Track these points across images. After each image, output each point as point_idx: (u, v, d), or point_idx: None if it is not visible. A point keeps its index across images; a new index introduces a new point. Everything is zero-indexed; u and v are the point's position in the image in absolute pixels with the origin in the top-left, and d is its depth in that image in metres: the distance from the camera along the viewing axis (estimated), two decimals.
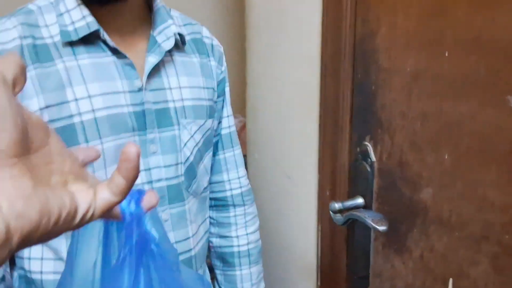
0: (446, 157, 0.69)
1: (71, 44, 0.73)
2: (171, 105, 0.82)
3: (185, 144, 0.84)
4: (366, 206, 0.84)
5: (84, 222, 0.34)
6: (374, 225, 0.75)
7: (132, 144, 0.37)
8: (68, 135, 0.72)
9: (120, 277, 0.52)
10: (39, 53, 0.72)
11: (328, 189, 0.95)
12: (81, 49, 0.74)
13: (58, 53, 0.73)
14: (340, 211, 0.84)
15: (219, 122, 0.98)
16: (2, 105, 0.28)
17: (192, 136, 0.85)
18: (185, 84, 0.84)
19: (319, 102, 0.95)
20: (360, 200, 0.85)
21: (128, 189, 0.37)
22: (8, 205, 0.28)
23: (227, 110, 0.98)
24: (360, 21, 0.82)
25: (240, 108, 1.50)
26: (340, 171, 0.91)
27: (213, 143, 0.96)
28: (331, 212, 0.85)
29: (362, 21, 0.81)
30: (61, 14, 0.74)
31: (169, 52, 0.82)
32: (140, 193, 0.46)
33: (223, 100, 0.97)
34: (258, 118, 1.26)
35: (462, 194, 0.67)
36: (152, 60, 0.78)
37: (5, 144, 0.28)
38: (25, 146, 0.30)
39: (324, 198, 0.97)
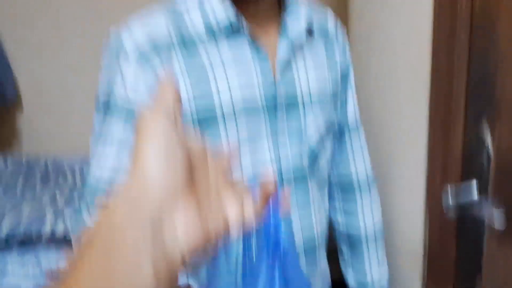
0: None
1: (214, 33, 0.78)
2: (298, 89, 0.85)
3: (309, 128, 0.86)
4: (481, 195, 0.78)
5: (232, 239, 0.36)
6: (493, 223, 0.69)
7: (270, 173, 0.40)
8: (211, 125, 0.78)
9: (258, 276, 0.54)
10: (186, 42, 0.78)
11: (438, 174, 0.90)
12: (222, 40, 0.79)
13: (202, 42, 0.78)
14: (453, 198, 0.78)
15: (345, 107, 0.98)
16: (174, 146, 0.32)
17: (316, 120, 0.87)
18: (312, 77, 0.86)
19: (430, 80, 0.89)
20: (474, 186, 0.78)
21: (265, 209, 0.38)
22: (183, 236, 0.31)
23: (353, 97, 0.98)
24: None
25: None
26: (453, 156, 0.85)
27: (336, 131, 0.97)
28: (443, 199, 0.80)
29: None
30: (202, 6, 0.80)
31: (301, 38, 0.84)
32: (276, 198, 0.47)
33: (348, 88, 0.97)
34: (361, 99, 1.22)
35: None
36: (284, 47, 0.82)
37: (178, 183, 0.32)
38: (191, 176, 0.33)
39: (434, 184, 0.91)
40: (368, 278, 1.07)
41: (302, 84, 0.85)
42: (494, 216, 0.70)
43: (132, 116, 0.78)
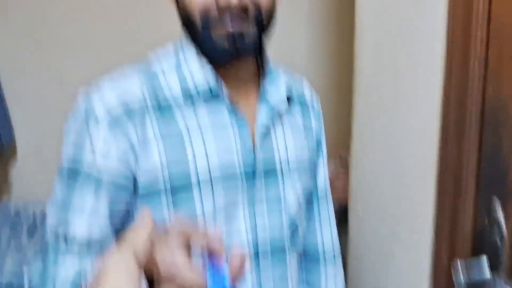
0: None
1: (192, 98, 0.76)
2: (278, 166, 0.84)
3: (288, 197, 0.84)
4: (493, 273, 0.77)
5: None
6: None
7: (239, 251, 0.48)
8: (186, 192, 0.74)
9: None
10: (162, 108, 0.75)
11: (445, 252, 0.90)
12: (200, 105, 0.77)
13: (178, 107, 0.76)
14: (464, 278, 0.78)
15: (315, 177, 0.97)
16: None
17: (294, 189, 0.86)
18: (291, 146, 0.86)
19: (438, 155, 0.91)
20: (485, 264, 0.78)
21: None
22: None
23: (324, 165, 0.98)
24: (489, 79, 0.78)
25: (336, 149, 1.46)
26: (462, 231, 0.85)
27: (311, 197, 0.96)
28: (453, 275, 0.79)
29: (492, 78, 0.78)
30: (179, 68, 0.78)
31: (283, 106, 0.84)
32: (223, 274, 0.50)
33: (320, 155, 0.97)
34: (364, 162, 1.23)
35: None
36: (264, 113, 0.81)
37: None
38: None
39: (441, 268, 0.91)
40: None
41: (281, 151, 0.84)
42: None
43: (101, 186, 0.72)
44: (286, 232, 0.84)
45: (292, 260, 0.87)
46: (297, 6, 2.10)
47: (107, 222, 0.73)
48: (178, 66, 0.78)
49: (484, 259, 0.79)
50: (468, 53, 0.81)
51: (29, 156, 2.22)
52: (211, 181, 0.76)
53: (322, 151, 0.97)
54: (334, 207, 1.58)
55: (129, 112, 0.72)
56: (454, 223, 0.87)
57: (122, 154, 0.72)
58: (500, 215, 0.77)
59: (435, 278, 0.93)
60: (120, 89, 0.74)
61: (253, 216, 0.80)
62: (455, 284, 0.80)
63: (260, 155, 0.81)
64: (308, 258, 1.01)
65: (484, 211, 0.81)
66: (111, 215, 0.74)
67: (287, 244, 0.84)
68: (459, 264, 0.80)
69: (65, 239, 0.72)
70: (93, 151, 0.71)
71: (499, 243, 0.77)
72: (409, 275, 1.04)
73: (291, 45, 2.09)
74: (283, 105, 0.84)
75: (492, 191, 0.79)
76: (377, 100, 1.13)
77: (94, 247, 0.72)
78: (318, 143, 0.95)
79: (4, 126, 2.23)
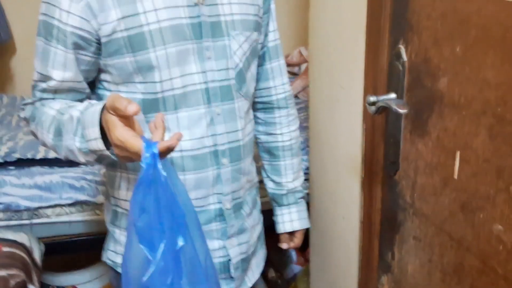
0: (458, 49, 0.82)
1: None
2: (222, 18, 0.99)
3: (235, 52, 1.01)
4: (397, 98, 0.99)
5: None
6: (397, 108, 0.91)
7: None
8: (140, 41, 0.92)
9: (140, 192, 0.78)
10: None
11: (370, 90, 1.11)
12: None
13: None
14: (374, 103, 1.00)
15: (266, 36, 1.14)
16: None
17: (240, 46, 1.02)
18: (235, 0, 1.01)
19: (366, 14, 1.10)
20: (392, 95, 1.00)
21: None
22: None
23: (273, 25, 1.15)
24: None
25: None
26: (380, 72, 1.06)
27: (259, 54, 1.13)
28: (367, 105, 1.01)
29: None
30: None
31: None
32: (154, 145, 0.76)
33: (269, 16, 1.13)
34: (318, 39, 1.42)
35: (469, 78, 0.81)
36: None
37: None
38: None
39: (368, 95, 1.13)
40: (283, 179, 1.28)
41: (225, 8, 0.99)
42: (400, 106, 0.92)
43: (68, 38, 0.90)
44: (232, 74, 1.02)
45: (239, 98, 1.06)
46: None
47: (78, 75, 0.96)
48: None
49: (392, 94, 1.00)
50: None
51: (28, 51, 2.40)
52: (160, 31, 0.92)
53: (270, 9, 1.14)
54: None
55: None
56: (376, 67, 1.08)
57: (83, 12, 0.89)
58: (403, 54, 0.97)
59: (365, 109, 1.16)
60: None
61: (202, 60, 0.98)
62: (368, 110, 1.02)
63: (204, 10, 0.96)
64: (265, 105, 1.24)
65: (393, 45, 1.01)
66: (80, 62, 0.94)
67: (232, 83, 1.03)
68: (369, 97, 1.01)
69: (45, 88, 0.97)
70: (60, 15, 0.89)
71: (401, 76, 0.98)
72: (349, 112, 1.27)
73: None
74: None
75: (399, 34, 0.99)
76: None
77: (68, 90, 0.97)
78: (266, 2, 1.11)
79: (1, 25, 2.38)
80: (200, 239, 0.90)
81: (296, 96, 2.65)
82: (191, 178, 1.03)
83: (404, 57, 0.97)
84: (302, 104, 2.53)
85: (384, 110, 0.99)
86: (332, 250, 1.55)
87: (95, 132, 0.83)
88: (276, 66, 1.20)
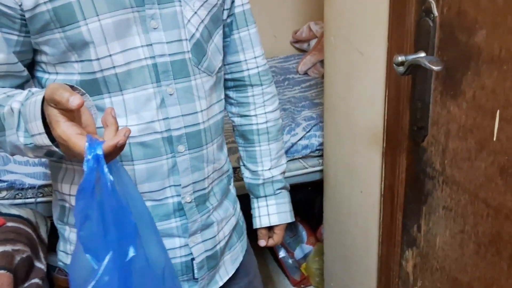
0: None
1: None
2: None
3: (189, 20, 0.87)
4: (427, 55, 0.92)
5: None
6: (430, 65, 0.83)
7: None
8: (67, 13, 0.79)
9: (82, 198, 0.70)
10: None
11: (395, 52, 1.04)
12: None
13: None
14: (403, 63, 0.92)
15: (232, 1, 1.00)
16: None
17: (195, 13, 0.88)
18: None
19: None
20: (422, 54, 0.93)
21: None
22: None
23: None
24: None
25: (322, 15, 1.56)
26: (407, 31, 0.98)
27: (222, 21, 0.98)
28: (394, 65, 0.94)
29: None
30: None
31: None
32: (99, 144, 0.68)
33: None
34: (335, 11, 1.35)
35: (511, 29, 0.74)
36: None
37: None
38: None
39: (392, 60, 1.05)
40: (259, 167, 1.14)
41: None
42: (433, 62, 0.84)
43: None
44: (186, 46, 0.89)
45: (199, 80, 0.92)
46: None
47: (10, 56, 0.83)
48: None
49: (421, 53, 0.93)
50: None
51: None
52: (93, 3, 0.79)
53: None
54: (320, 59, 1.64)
55: None
56: (402, 24, 1.00)
57: None
58: (434, 8, 0.90)
59: (388, 71, 1.09)
60: None
61: (147, 32, 0.85)
62: (395, 70, 0.95)
63: None
64: (236, 81, 1.09)
65: (423, 8, 0.94)
66: (10, 43, 0.82)
67: (187, 57, 0.89)
68: (397, 56, 0.93)
69: None
70: None
71: (432, 32, 0.91)
72: (370, 80, 1.20)
73: None
74: None
75: None
76: None
77: (1, 70, 0.84)
78: None
79: None
80: (157, 246, 0.81)
81: (306, 73, 2.57)
82: (141, 169, 0.90)
83: (435, 12, 0.89)
84: (313, 81, 2.46)
85: (413, 70, 0.92)
86: (349, 227, 1.49)
87: (39, 126, 0.73)
88: (246, 36, 1.04)
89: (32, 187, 1.68)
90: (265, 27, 2.82)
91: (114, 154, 0.70)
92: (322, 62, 2.52)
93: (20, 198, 1.68)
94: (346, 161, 1.44)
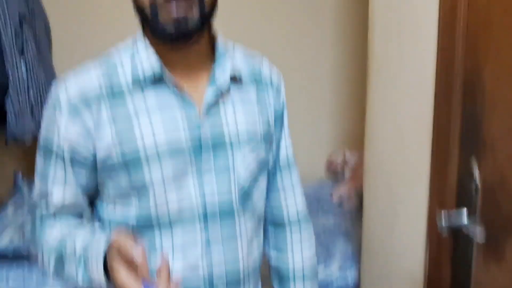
0: None
1: (140, 83, 0.87)
2: (225, 131, 0.92)
3: (238, 167, 0.94)
4: (470, 218, 0.94)
5: None
6: (473, 236, 0.85)
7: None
8: (135, 164, 0.87)
9: None
10: (114, 92, 0.87)
11: (437, 204, 1.07)
12: (148, 87, 0.88)
13: (129, 92, 0.87)
14: (446, 221, 0.95)
15: (277, 148, 1.06)
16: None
17: (245, 160, 0.94)
18: (240, 113, 0.93)
19: (432, 126, 1.08)
20: (464, 212, 0.95)
21: None
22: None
23: (285, 136, 1.06)
24: (469, 57, 0.96)
25: (359, 142, 1.64)
26: (449, 186, 1.02)
27: (268, 167, 1.04)
28: (439, 224, 0.96)
29: (471, 56, 0.95)
30: (133, 58, 0.90)
31: (226, 86, 0.91)
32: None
33: (281, 127, 1.05)
34: (376, 149, 1.41)
35: None
36: (210, 93, 0.90)
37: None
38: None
39: (434, 213, 1.08)
40: None
41: (230, 126, 0.92)
42: (477, 233, 0.86)
43: (67, 161, 0.88)
44: (235, 197, 0.94)
45: (243, 222, 0.96)
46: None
47: (77, 190, 0.91)
48: (133, 56, 0.91)
49: (464, 210, 0.96)
50: (454, 40, 0.99)
51: None
52: (158, 155, 0.87)
53: (283, 124, 1.06)
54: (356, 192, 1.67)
55: (85, 100, 0.86)
56: (444, 180, 1.04)
57: (80, 136, 0.87)
58: (476, 172, 0.94)
59: (430, 225, 1.10)
60: (80, 81, 0.88)
61: (202, 184, 0.91)
62: (439, 230, 0.97)
63: (207, 130, 0.90)
64: (275, 225, 1.11)
65: (465, 169, 0.98)
66: (79, 184, 0.91)
67: (235, 207, 0.94)
68: (442, 213, 0.96)
69: (46, 205, 0.93)
70: (58, 134, 0.88)
71: (474, 194, 0.94)
72: (409, 226, 1.21)
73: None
74: (228, 84, 0.92)
75: (470, 152, 0.96)
76: (383, 101, 1.31)
77: (68, 209, 0.93)
78: (278, 117, 1.03)
79: None
80: None
81: (340, 202, 2.59)
82: None
83: (477, 174, 0.93)
84: (348, 214, 2.46)
85: (459, 235, 0.94)
86: None
87: (99, 270, 0.80)
88: (287, 180, 1.09)
89: None
90: (300, 151, 2.90)
91: None
92: (357, 192, 2.55)
93: None
94: None
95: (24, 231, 1.90)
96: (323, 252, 1.89)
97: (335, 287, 1.76)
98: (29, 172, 2.34)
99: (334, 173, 2.97)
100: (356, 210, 2.42)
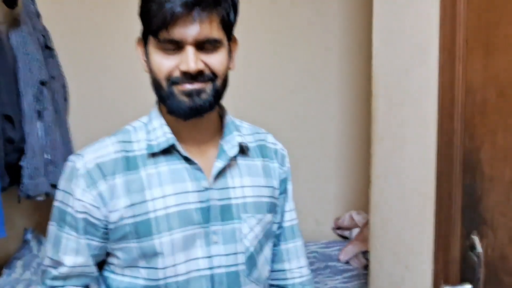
0: None
1: (154, 155, 0.93)
2: (233, 201, 0.96)
3: (245, 236, 0.97)
4: None
5: None
6: None
7: None
8: (145, 228, 0.91)
9: None
10: (129, 163, 0.93)
11: (441, 277, 1.09)
12: (161, 158, 0.94)
13: (143, 163, 0.93)
14: None
15: (282, 216, 1.10)
16: None
17: (252, 229, 0.98)
18: (247, 183, 0.99)
19: (434, 201, 1.13)
20: (468, 286, 0.97)
21: None
22: None
23: (289, 205, 1.11)
24: (467, 138, 1.01)
25: (364, 205, 1.68)
26: (452, 261, 1.05)
27: (273, 235, 1.08)
28: None
29: (469, 138, 1.01)
30: (148, 132, 0.96)
31: (234, 158, 0.98)
32: None
33: (285, 196, 1.10)
34: (381, 213, 1.45)
35: None
36: (218, 165, 0.95)
37: None
38: None
39: (438, 285, 1.10)
40: None
41: (237, 190, 0.98)
42: None
43: (80, 224, 0.92)
44: (242, 260, 0.97)
45: (248, 284, 0.98)
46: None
47: (88, 260, 0.95)
48: (148, 133, 0.96)
49: (467, 286, 0.98)
50: (452, 121, 1.05)
51: None
52: (167, 217, 0.92)
53: (288, 193, 1.10)
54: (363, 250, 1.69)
55: (102, 172, 0.92)
56: (447, 255, 1.07)
57: (94, 206, 0.91)
58: (479, 248, 0.97)
59: None
60: (98, 153, 0.94)
61: (209, 245, 0.95)
62: None
63: (215, 194, 0.95)
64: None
65: (468, 244, 1.01)
66: (91, 247, 0.94)
67: (242, 277, 0.97)
68: None
69: (55, 273, 0.95)
70: (73, 204, 0.92)
71: (477, 270, 0.97)
72: None
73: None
74: (236, 150, 0.98)
75: (472, 227, 1.00)
76: (387, 170, 1.36)
77: (77, 278, 0.96)
78: (283, 183, 1.08)
79: None
80: None
81: (347, 262, 2.60)
82: None
83: (479, 248, 0.97)
84: (355, 271, 2.47)
85: None
86: None
87: None
88: (292, 248, 1.12)
89: None
90: (307, 211, 2.95)
91: None
92: (364, 252, 2.56)
93: None
94: None
95: None
96: None
97: None
98: (39, 227, 2.38)
99: (342, 232, 2.99)
100: (363, 268, 2.43)
